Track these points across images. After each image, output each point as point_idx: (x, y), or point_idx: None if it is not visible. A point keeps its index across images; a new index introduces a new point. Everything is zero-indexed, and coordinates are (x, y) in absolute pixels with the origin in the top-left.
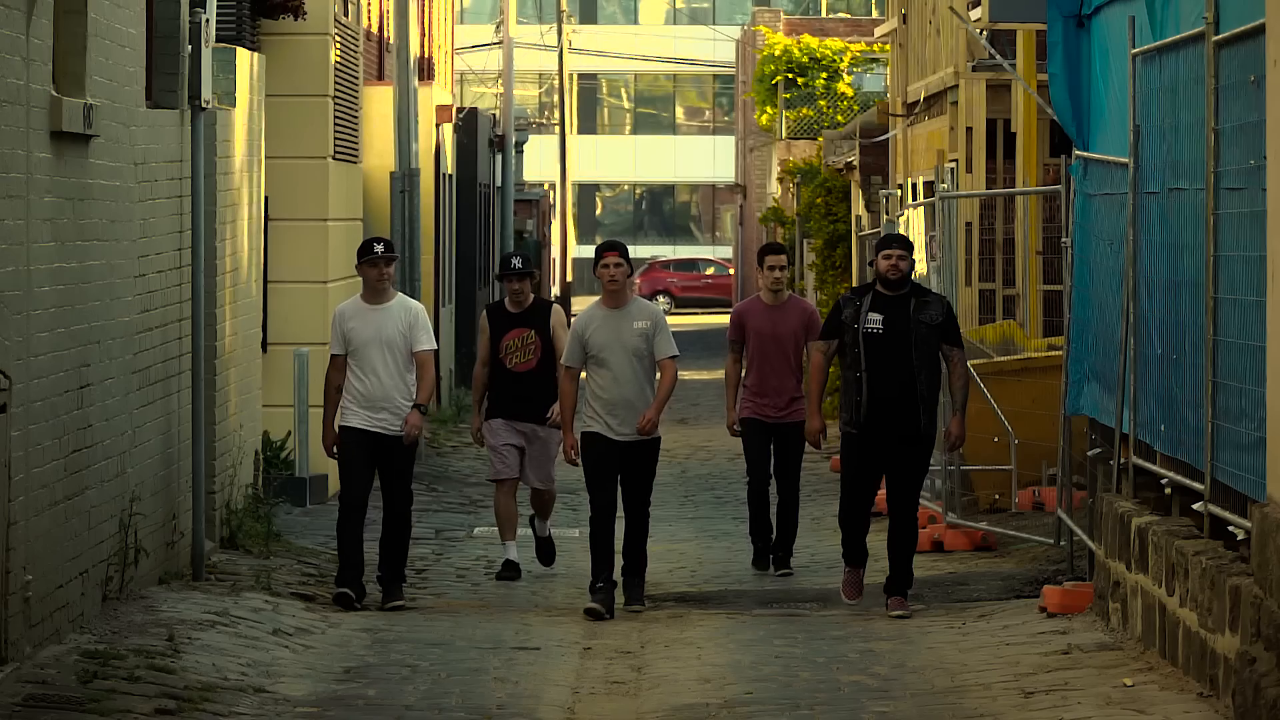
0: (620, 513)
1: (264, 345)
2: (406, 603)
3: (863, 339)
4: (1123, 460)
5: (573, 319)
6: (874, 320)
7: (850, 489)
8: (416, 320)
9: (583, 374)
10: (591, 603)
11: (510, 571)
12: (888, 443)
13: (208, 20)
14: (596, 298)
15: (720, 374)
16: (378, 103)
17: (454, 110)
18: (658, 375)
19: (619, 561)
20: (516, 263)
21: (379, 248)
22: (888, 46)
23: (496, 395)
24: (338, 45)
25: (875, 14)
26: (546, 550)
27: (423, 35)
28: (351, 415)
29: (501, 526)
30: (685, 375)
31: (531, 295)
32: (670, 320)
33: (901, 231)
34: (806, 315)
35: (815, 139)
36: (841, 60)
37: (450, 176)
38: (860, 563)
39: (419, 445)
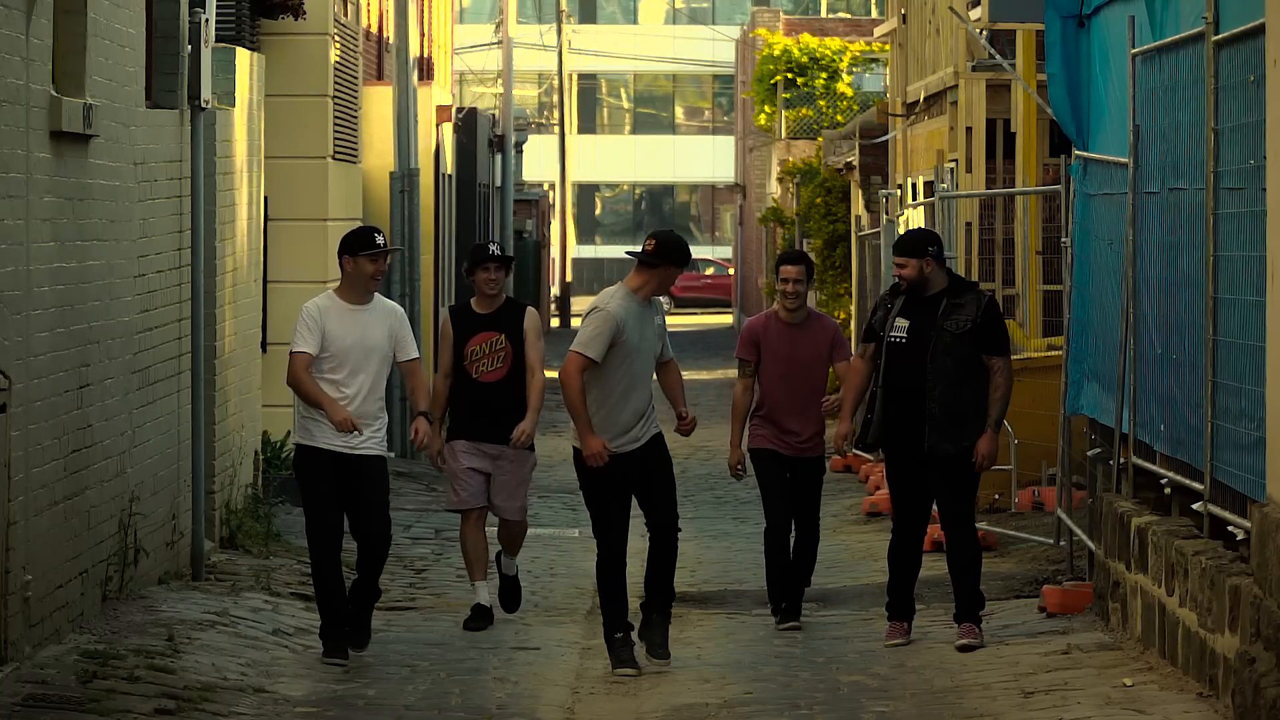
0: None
1: (264, 345)
2: (348, 661)
3: (886, 348)
4: (1122, 460)
5: (586, 314)
6: (899, 327)
7: (894, 515)
8: (403, 325)
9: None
10: (619, 665)
11: (480, 620)
12: (907, 464)
13: (207, 20)
14: (602, 296)
15: (719, 374)
16: (377, 103)
17: (454, 110)
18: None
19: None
20: (494, 248)
21: (381, 239)
22: (887, 46)
23: (457, 410)
24: (337, 45)
25: (875, 14)
26: (512, 592)
27: (422, 35)
28: (317, 431)
29: (469, 565)
30: (685, 375)
31: (504, 295)
32: (670, 320)
33: (901, 231)
34: (831, 336)
35: (815, 139)
36: (841, 60)
37: (450, 176)
38: (903, 617)
39: (388, 474)
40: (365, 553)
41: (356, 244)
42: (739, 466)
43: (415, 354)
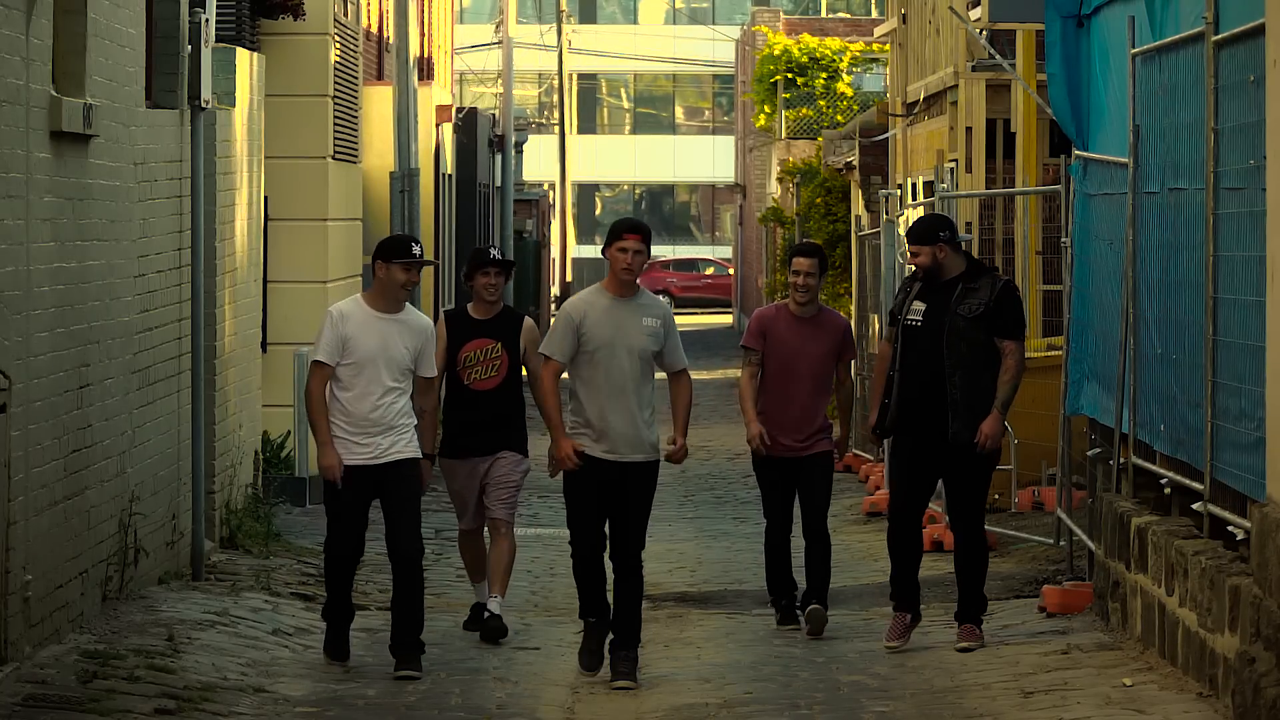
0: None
1: (264, 345)
2: (420, 675)
3: (902, 331)
4: (1122, 460)
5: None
6: (915, 311)
7: (892, 504)
8: (428, 341)
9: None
10: (584, 667)
11: (479, 621)
12: (922, 451)
13: (207, 20)
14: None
15: (719, 374)
16: (377, 103)
17: (454, 110)
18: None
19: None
20: (495, 253)
21: (417, 250)
22: (887, 46)
23: (449, 421)
24: (337, 45)
25: (875, 14)
26: (496, 630)
27: (422, 35)
28: (339, 447)
29: (469, 568)
30: None
31: (502, 302)
32: None
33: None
34: (841, 333)
35: (815, 139)
36: (841, 60)
37: (450, 176)
38: (907, 607)
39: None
40: (396, 571)
41: (390, 251)
42: (762, 438)
43: (433, 373)
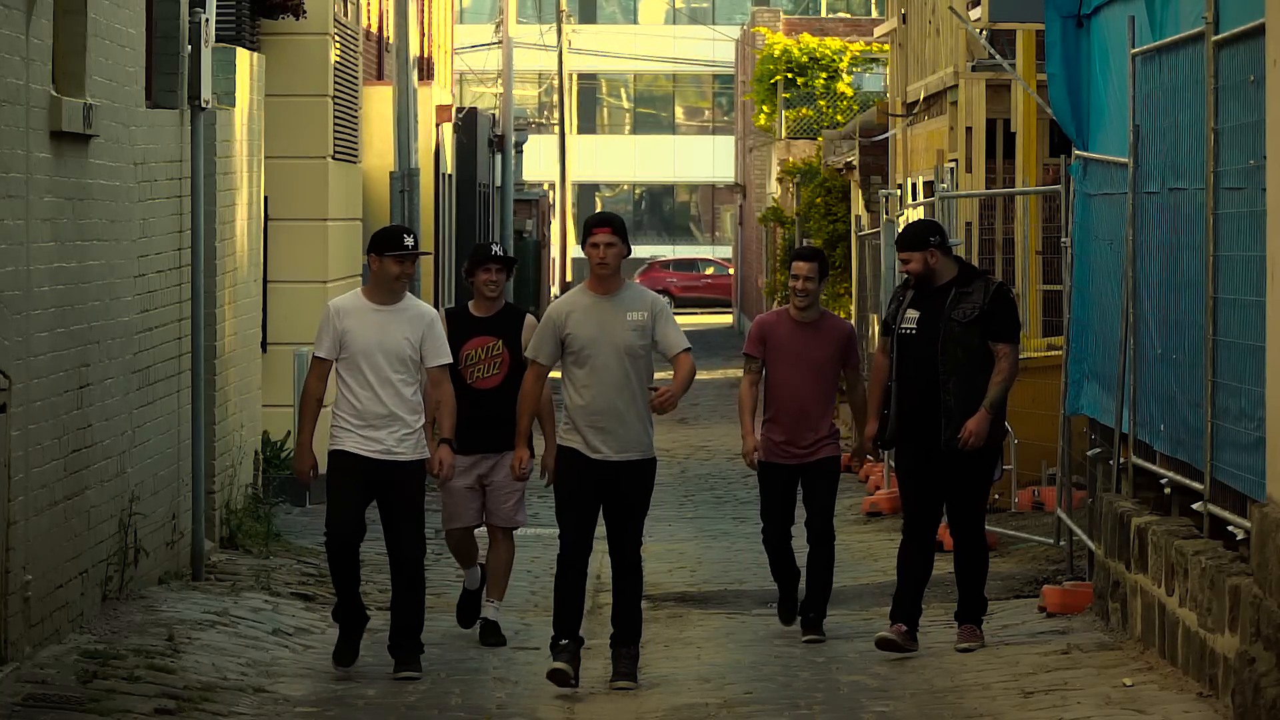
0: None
1: (264, 345)
2: (420, 675)
3: (896, 340)
4: (1122, 460)
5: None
6: (910, 319)
7: (905, 517)
8: (431, 329)
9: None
10: (555, 662)
11: (472, 615)
12: (924, 459)
13: (207, 20)
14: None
15: (719, 374)
16: (377, 103)
17: (454, 110)
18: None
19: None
20: (496, 249)
21: (410, 240)
22: (887, 46)
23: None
24: (337, 45)
25: (875, 14)
26: (492, 631)
27: (422, 35)
28: (344, 436)
29: (459, 559)
30: None
31: (504, 299)
32: None
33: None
34: (844, 338)
35: (815, 139)
36: (841, 60)
37: (450, 176)
38: (906, 620)
39: (426, 478)
40: (396, 572)
41: (383, 244)
42: (756, 454)
43: (443, 360)
